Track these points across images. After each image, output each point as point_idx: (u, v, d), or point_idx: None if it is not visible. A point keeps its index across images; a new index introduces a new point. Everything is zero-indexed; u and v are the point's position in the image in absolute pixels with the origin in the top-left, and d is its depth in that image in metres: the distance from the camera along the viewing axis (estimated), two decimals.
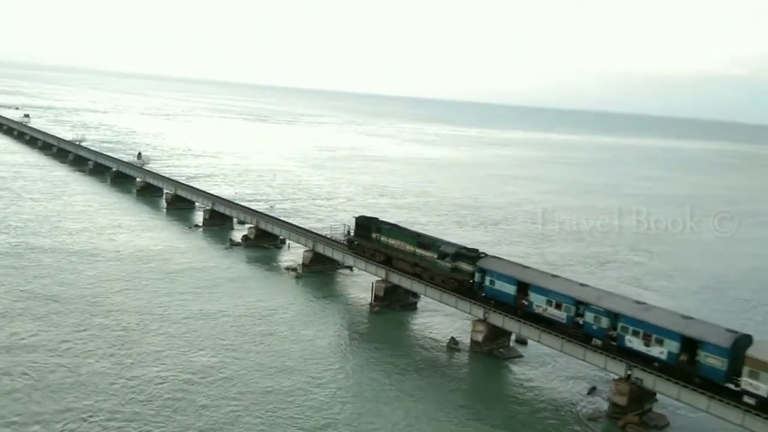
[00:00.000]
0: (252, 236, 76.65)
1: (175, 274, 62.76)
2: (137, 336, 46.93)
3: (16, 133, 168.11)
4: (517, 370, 47.71)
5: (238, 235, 79.90)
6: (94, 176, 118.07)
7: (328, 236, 69.86)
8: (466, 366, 48.69)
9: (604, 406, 41.45)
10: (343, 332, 52.41)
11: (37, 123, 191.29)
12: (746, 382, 35.53)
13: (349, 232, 65.45)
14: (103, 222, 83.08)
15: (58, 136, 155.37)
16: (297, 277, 65.90)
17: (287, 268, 68.46)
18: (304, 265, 67.78)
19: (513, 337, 50.54)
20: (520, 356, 49.46)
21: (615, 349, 41.89)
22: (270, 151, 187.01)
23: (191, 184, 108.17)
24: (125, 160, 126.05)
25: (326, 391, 40.90)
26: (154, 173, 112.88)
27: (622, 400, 40.01)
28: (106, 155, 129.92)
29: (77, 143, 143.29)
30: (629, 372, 40.33)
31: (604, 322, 42.47)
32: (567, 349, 44.53)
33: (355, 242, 63.21)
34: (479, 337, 49.56)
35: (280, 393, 40.11)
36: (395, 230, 60.52)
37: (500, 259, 53.56)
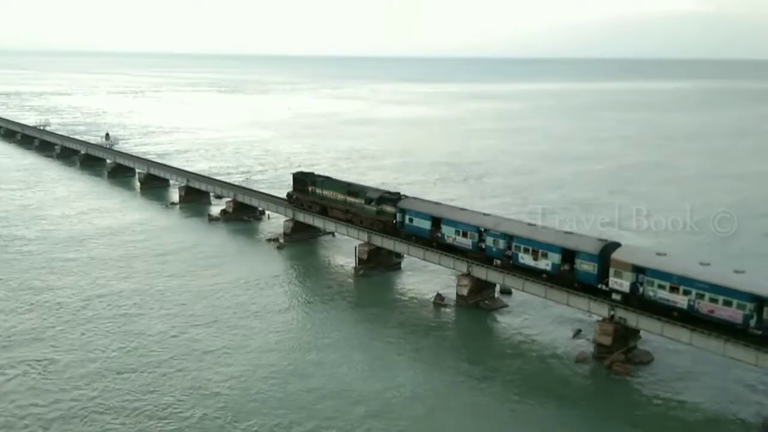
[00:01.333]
0: (230, 210, 76.38)
1: (160, 255, 62.55)
2: (139, 320, 46.80)
3: None
4: (504, 319, 48.71)
5: (216, 209, 79.57)
6: (63, 161, 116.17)
7: None
8: (454, 320, 49.58)
9: (590, 347, 42.56)
10: (332, 298, 52.84)
11: None
12: (612, 281, 41.55)
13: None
14: (81, 207, 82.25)
15: (20, 122, 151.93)
16: (279, 248, 66.07)
17: (269, 240, 68.54)
18: (285, 234, 67.87)
19: (497, 288, 51.45)
20: (506, 306, 50.46)
21: (511, 266, 47.92)
22: (245, 122, 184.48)
23: (165, 161, 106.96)
24: (93, 142, 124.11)
25: (323, 359, 41.33)
26: (125, 153, 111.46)
27: (607, 340, 41.16)
28: (73, 138, 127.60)
29: (42, 128, 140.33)
30: (612, 312, 41.42)
31: (501, 243, 48.69)
32: (551, 296, 45.46)
33: (294, 196, 67.96)
34: (464, 291, 50.37)
35: (283, 366, 40.27)
36: (328, 182, 65.47)
37: (417, 199, 59.53)
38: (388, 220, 57.51)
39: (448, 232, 52.39)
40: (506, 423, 35.24)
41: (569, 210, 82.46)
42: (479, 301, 50.35)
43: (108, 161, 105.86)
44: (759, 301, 35.80)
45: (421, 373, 40.07)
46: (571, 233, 47.17)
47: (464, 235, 51.24)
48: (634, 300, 40.62)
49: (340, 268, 60.38)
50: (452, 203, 63.85)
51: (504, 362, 41.98)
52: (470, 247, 50.85)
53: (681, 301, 38.52)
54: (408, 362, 41.61)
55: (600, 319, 42.28)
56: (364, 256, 58.41)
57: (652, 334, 41.00)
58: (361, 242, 59.37)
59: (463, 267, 51.05)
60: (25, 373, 39.05)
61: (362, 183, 69.24)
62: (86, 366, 39.85)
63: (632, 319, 40.70)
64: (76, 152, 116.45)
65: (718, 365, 39.53)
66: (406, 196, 59.17)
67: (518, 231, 48.18)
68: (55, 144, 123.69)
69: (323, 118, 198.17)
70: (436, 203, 58.16)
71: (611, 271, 41.58)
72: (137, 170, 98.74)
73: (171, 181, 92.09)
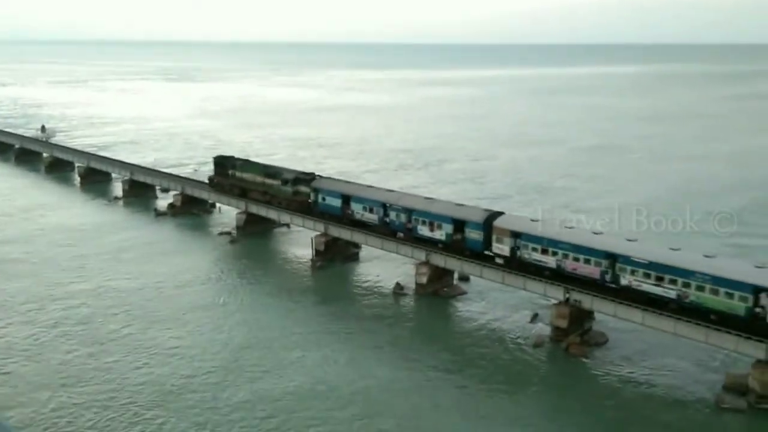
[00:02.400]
0: (179, 203, 74.85)
1: (109, 253, 60.87)
2: (96, 323, 45.44)
3: None
4: (462, 306, 49.56)
5: (163, 203, 77.88)
6: None
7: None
8: (413, 309, 50.21)
9: (547, 330, 43.78)
10: (292, 293, 52.52)
11: None
12: (495, 246, 46.93)
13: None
14: (20, 204, 79.48)
15: None
16: (232, 242, 65.21)
17: (221, 233, 67.54)
18: (238, 227, 67.01)
19: (455, 276, 52.33)
20: (464, 293, 51.31)
21: (412, 238, 52.14)
22: (196, 111, 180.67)
23: (109, 153, 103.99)
24: (29, 135, 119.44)
25: (295, 357, 40.96)
26: (63, 146, 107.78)
27: (563, 323, 42.42)
28: (6, 132, 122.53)
29: None
30: (567, 295, 42.73)
31: (403, 217, 52.96)
32: (508, 281, 46.51)
33: (215, 180, 70.98)
34: (423, 279, 50.94)
35: (255, 366, 39.75)
36: (247, 165, 68.89)
37: (329, 178, 64.36)
38: (303, 200, 61.18)
39: (357, 209, 56.65)
40: (473, 411, 35.78)
41: (523, 193, 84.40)
42: (438, 288, 51.06)
43: (45, 155, 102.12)
44: (611, 257, 40.85)
45: (391, 367, 40.27)
46: (462, 205, 52.07)
47: (371, 210, 55.48)
48: (514, 263, 45.61)
49: (297, 260, 60.13)
50: (412, 191, 64.52)
51: (467, 350, 42.71)
52: (376, 222, 54.98)
53: (550, 261, 43.74)
54: (376, 357, 41.81)
55: (555, 302, 43.60)
56: (321, 248, 58.33)
57: (605, 315, 42.51)
58: (318, 233, 59.25)
59: (421, 255, 51.63)
60: None
61: (319, 172, 69.53)
62: (44, 374, 38.38)
63: (587, 301, 42.09)
64: (10, 146, 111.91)
65: (669, 344, 41.25)
66: (319, 176, 63.16)
67: (417, 205, 52.98)
68: None
69: (277, 107, 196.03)
70: (347, 182, 62.65)
71: (494, 237, 46.84)
72: (77, 164, 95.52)
73: (113, 175, 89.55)
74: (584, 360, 40.84)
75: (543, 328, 44.54)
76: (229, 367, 39.64)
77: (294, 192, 61.95)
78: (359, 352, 42.29)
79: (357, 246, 59.52)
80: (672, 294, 38.19)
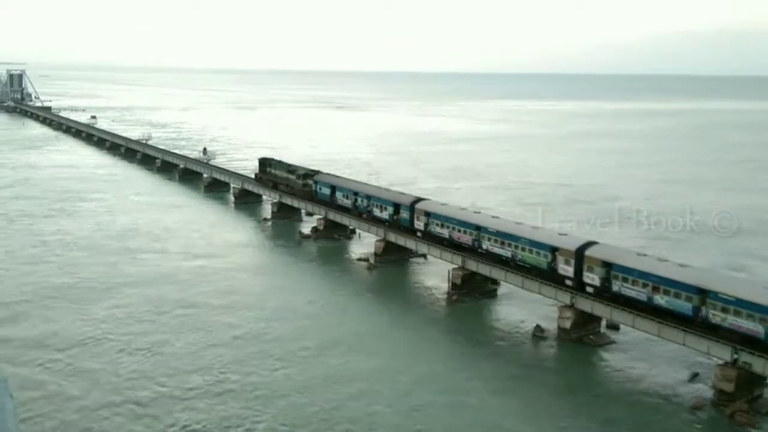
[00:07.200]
0: (321, 228, 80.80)
1: (258, 271, 68.61)
2: (259, 333, 51.37)
3: (84, 135, 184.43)
4: (610, 357, 48.06)
5: (307, 227, 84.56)
6: (163, 174, 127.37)
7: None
8: (555, 355, 49.65)
9: (709, 393, 41.22)
10: (423, 324, 54.55)
11: (106, 125, 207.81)
12: (416, 223, 66.77)
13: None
14: (192, 222, 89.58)
15: (124, 136, 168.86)
16: (370, 268, 69.11)
17: (360, 259, 71.92)
18: (376, 255, 70.82)
19: (603, 323, 50.96)
20: (613, 342, 49.77)
21: (369, 217, 73.73)
22: (352, 141, 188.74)
23: None
24: (191, 156, 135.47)
25: (414, 389, 42.72)
26: (221, 168, 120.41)
27: (728, 387, 39.76)
28: (173, 153, 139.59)
29: (144, 142, 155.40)
30: (736, 356, 40.03)
31: (365, 202, 74.14)
32: (664, 334, 44.52)
33: (259, 176, 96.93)
34: (567, 324, 50.34)
35: (370, 395, 42.01)
36: (278, 164, 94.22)
37: (325, 173, 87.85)
38: (309, 190, 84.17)
39: (339, 196, 78.71)
40: None
41: (703, 237, 79.60)
42: (583, 335, 50.12)
43: (204, 175, 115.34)
44: (478, 229, 59.49)
45: (512, 413, 40.43)
46: (402, 193, 73.38)
47: (347, 197, 77.04)
48: (425, 235, 65.31)
49: (432, 292, 62.12)
50: (584, 233, 65.72)
51: (610, 406, 41.52)
52: (350, 206, 76.10)
53: (445, 233, 62.77)
54: (499, 399, 42.28)
55: (721, 362, 41.03)
56: (458, 281, 59.91)
57: None
58: (455, 266, 61.02)
59: (565, 298, 51.19)
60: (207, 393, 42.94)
61: (473, 206, 76.82)
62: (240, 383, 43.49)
63: (758, 364, 39.18)
64: (175, 166, 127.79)
65: None
66: (321, 173, 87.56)
67: (373, 193, 75.04)
68: (156, 158, 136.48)
69: (432, 136, 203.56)
70: (335, 176, 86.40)
71: (415, 216, 66.43)
72: (232, 185, 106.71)
73: (264, 197, 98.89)
74: (751, 430, 37.92)
75: (704, 390, 42.02)
76: (396, 404, 41.30)
77: (303, 184, 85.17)
78: (500, 400, 42.37)
79: (495, 282, 60.32)
80: (508, 253, 55.69)
